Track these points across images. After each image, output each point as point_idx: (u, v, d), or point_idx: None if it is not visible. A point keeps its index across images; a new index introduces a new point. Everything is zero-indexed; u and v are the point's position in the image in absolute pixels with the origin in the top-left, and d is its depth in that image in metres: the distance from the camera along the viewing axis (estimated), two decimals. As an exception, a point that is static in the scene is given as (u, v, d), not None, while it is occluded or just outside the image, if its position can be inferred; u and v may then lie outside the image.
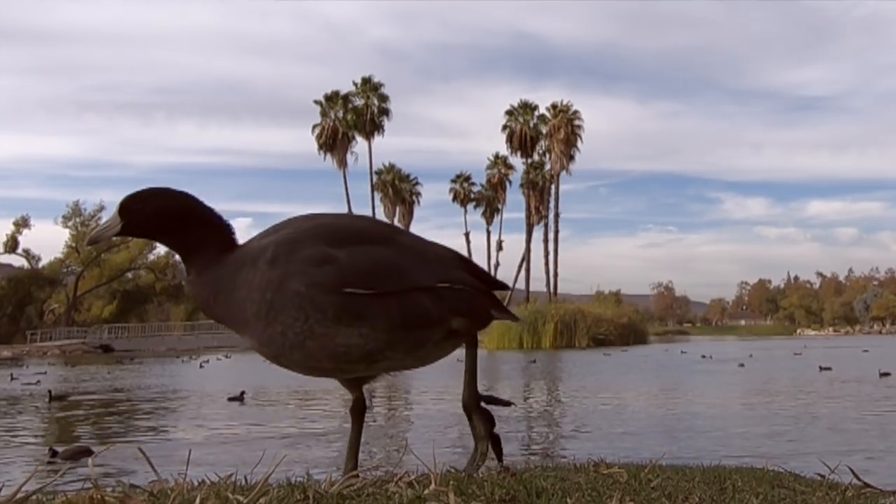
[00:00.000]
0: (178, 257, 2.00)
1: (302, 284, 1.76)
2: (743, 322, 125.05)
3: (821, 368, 18.47)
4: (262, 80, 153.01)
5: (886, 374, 15.98)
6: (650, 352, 34.83)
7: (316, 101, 56.92)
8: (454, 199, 65.35)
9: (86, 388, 17.28)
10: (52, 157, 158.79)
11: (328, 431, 9.44)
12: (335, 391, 15.11)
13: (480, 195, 65.31)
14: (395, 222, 63.98)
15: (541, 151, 60.53)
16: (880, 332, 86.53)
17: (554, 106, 58.56)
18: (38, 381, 18.86)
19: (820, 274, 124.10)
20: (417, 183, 64.21)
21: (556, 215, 58.77)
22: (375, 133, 56.98)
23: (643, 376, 18.71)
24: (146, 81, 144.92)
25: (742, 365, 21.26)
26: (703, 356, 26.73)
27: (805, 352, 30.37)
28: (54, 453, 7.08)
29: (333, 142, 55.88)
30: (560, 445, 8.14)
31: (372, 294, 1.82)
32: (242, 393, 13.63)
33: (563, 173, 58.32)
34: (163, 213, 1.90)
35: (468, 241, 65.03)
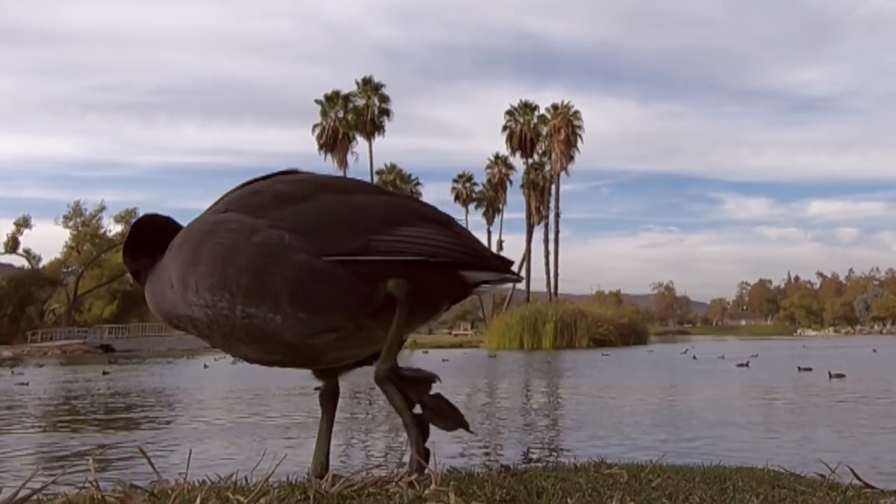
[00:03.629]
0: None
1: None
2: (743, 322, 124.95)
3: (800, 369, 18.43)
4: (263, 81, 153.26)
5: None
6: (649, 352, 34.82)
7: (317, 101, 57.01)
8: (456, 198, 65.51)
9: (84, 389, 17.28)
10: (53, 157, 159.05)
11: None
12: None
13: (482, 195, 65.39)
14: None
15: (541, 152, 60.59)
16: (881, 332, 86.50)
17: (554, 106, 58.61)
18: (28, 382, 18.86)
19: (820, 274, 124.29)
20: (419, 183, 64.35)
21: (557, 215, 58.82)
22: (376, 133, 57.02)
23: (645, 376, 18.70)
24: (148, 82, 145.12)
25: (745, 364, 21.23)
26: (722, 357, 26.67)
27: (807, 352, 30.37)
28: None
29: (334, 142, 55.91)
30: (560, 446, 8.14)
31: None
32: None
33: (564, 174, 58.38)
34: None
35: (469, 241, 65.06)
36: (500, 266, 1.84)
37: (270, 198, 1.81)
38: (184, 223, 1.97)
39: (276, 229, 1.74)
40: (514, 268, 1.92)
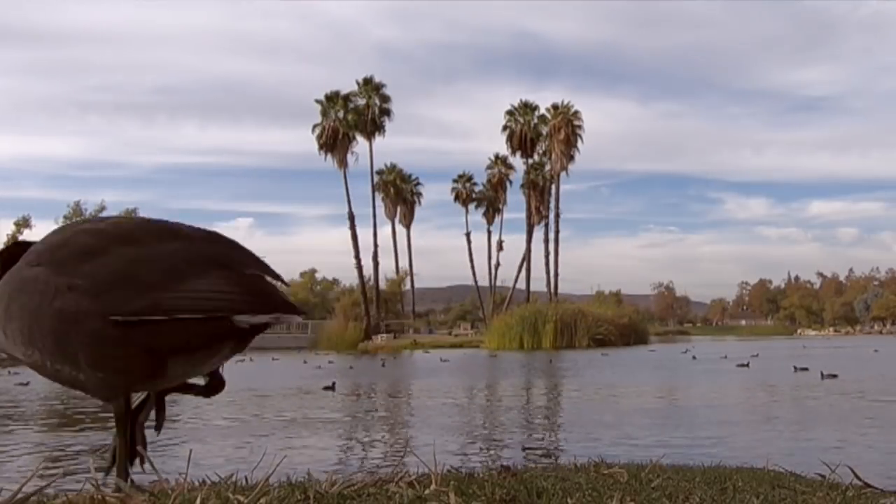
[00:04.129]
0: None
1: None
2: (743, 322, 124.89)
3: (796, 369, 18.41)
4: (263, 80, 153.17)
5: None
6: (650, 352, 34.82)
7: (317, 101, 56.99)
8: (456, 199, 65.57)
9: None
10: (53, 157, 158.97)
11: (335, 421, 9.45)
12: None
13: (482, 195, 65.44)
14: (396, 222, 64.15)
15: (541, 152, 60.60)
16: (881, 333, 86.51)
17: (554, 106, 58.60)
18: (28, 382, 18.84)
19: (820, 274, 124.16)
20: (419, 183, 64.40)
21: (557, 215, 58.81)
22: (376, 133, 57.00)
23: (645, 376, 18.71)
24: (148, 82, 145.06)
25: (745, 365, 21.23)
26: (724, 357, 26.67)
27: (807, 352, 30.36)
28: None
29: (334, 142, 55.89)
30: (560, 446, 8.14)
31: None
32: (333, 383, 15.61)
33: (564, 174, 58.42)
34: None
35: (469, 242, 65.20)
36: (285, 308, 1.84)
37: (73, 252, 1.83)
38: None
39: (74, 291, 1.76)
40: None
